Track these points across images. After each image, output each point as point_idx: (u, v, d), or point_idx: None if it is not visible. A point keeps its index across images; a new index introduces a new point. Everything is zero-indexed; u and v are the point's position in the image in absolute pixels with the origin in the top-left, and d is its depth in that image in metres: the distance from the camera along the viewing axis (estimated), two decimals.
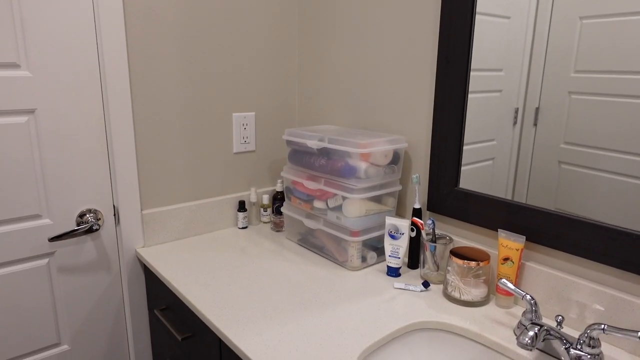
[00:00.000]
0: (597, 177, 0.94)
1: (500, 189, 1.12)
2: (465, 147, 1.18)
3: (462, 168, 1.19)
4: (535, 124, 1.03)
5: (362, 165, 1.24)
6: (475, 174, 1.17)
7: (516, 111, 1.06)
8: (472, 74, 1.13)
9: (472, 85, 1.14)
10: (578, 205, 0.98)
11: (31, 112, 1.18)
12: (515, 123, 1.07)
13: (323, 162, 1.31)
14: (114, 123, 1.29)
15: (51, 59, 1.19)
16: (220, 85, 1.50)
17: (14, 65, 1.14)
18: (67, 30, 1.20)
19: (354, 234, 1.25)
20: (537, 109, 1.02)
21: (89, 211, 1.32)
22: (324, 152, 1.31)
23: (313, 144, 1.32)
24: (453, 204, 1.21)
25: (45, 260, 1.28)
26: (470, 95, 1.15)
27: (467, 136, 1.17)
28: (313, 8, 1.58)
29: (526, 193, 1.07)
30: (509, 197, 1.10)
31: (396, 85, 1.34)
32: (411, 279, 1.24)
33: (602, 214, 0.95)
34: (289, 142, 1.43)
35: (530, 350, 0.83)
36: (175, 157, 1.45)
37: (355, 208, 1.24)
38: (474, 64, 1.12)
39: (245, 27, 1.51)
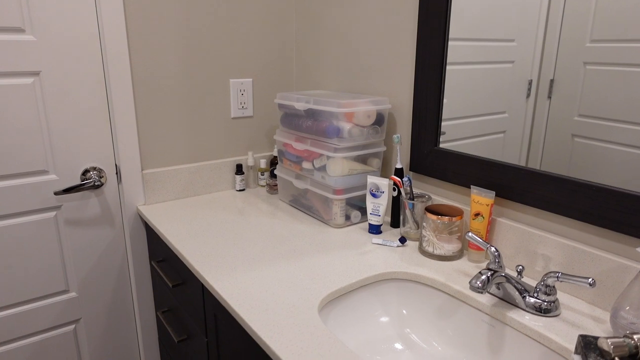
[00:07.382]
0: (610, 149, 0.90)
1: (512, 162, 1.08)
2: (474, 119, 1.16)
3: (470, 140, 1.17)
4: (549, 97, 0.99)
5: (346, 126, 1.28)
6: (485, 147, 1.13)
7: (530, 83, 1.02)
8: (481, 44, 1.10)
9: (482, 55, 1.10)
10: (590, 179, 0.94)
11: (36, 74, 1.28)
12: (528, 95, 1.03)
13: (310, 124, 1.35)
14: (114, 85, 1.37)
15: (53, 23, 1.27)
16: (218, 51, 1.55)
17: (19, 30, 1.23)
18: None
19: (337, 192, 1.30)
20: (552, 81, 0.98)
21: (93, 169, 1.42)
22: (311, 114, 1.36)
23: (300, 105, 1.36)
24: (432, 163, 1.24)
25: (53, 213, 1.39)
26: (479, 66, 1.12)
27: (477, 108, 1.13)
28: None
29: (539, 167, 1.03)
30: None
31: (383, 51, 1.36)
32: (391, 236, 1.28)
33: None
34: (280, 106, 1.48)
35: (481, 292, 0.86)
36: (174, 121, 1.52)
37: (337, 167, 1.29)
38: (484, 34, 1.09)
39: None
